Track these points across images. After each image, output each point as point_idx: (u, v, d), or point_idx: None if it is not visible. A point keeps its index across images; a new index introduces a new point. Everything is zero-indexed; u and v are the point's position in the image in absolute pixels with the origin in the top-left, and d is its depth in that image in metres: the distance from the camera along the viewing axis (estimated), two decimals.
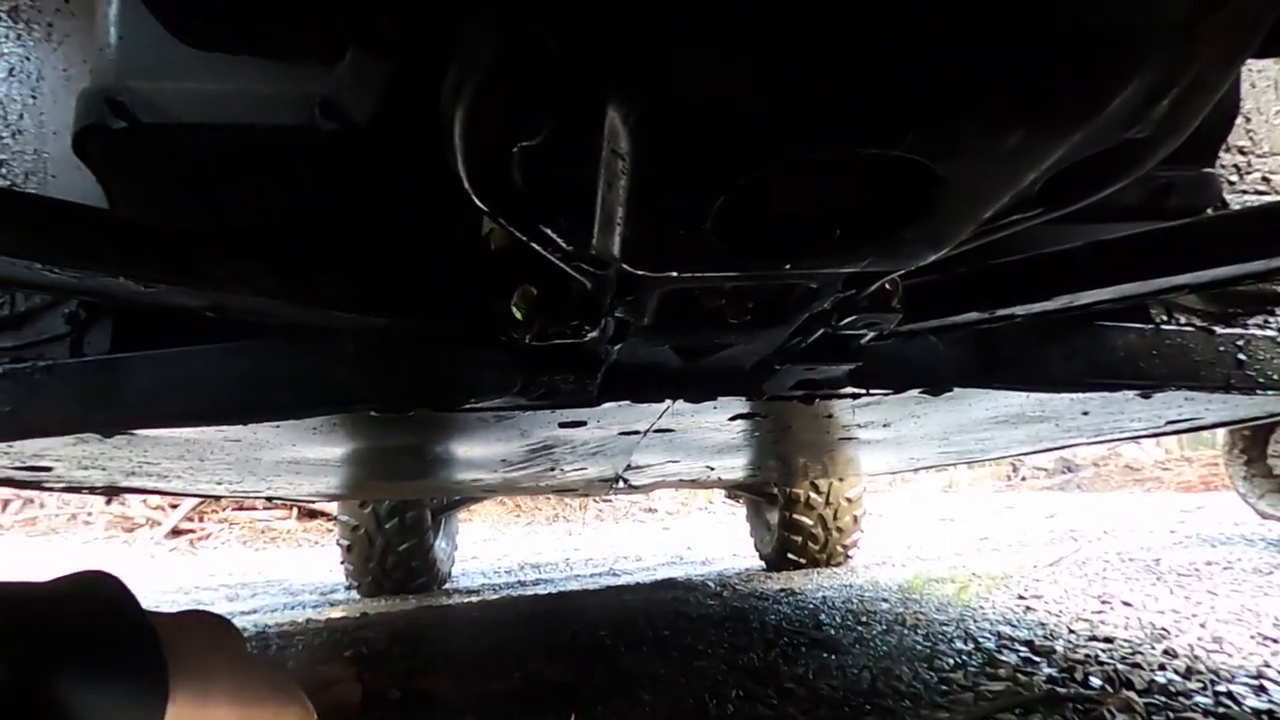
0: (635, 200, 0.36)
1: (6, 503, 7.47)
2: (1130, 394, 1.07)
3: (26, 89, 1.03)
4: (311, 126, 0.74)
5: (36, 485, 1.62)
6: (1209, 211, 0.87)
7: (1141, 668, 1.43)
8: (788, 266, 0.42)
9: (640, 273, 0.45)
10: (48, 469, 1.34)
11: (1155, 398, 1.14)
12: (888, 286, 0.65)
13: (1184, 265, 0.64)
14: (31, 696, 0.36)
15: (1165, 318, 1.03)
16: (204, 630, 0.49)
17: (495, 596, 3.15)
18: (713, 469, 2.27)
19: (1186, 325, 1.02)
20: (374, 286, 0.70)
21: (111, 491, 1.86)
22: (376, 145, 0.70)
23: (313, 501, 3.15)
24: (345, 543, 3.20)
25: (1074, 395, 1.06)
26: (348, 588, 3.35)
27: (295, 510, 7.33)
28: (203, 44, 0.48)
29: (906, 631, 1.91)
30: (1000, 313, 0.73)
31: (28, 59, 1.02)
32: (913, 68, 0.28)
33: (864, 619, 2.11)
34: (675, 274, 0.44)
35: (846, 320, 0.65)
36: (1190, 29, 0.29)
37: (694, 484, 3.07)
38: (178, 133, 0.78)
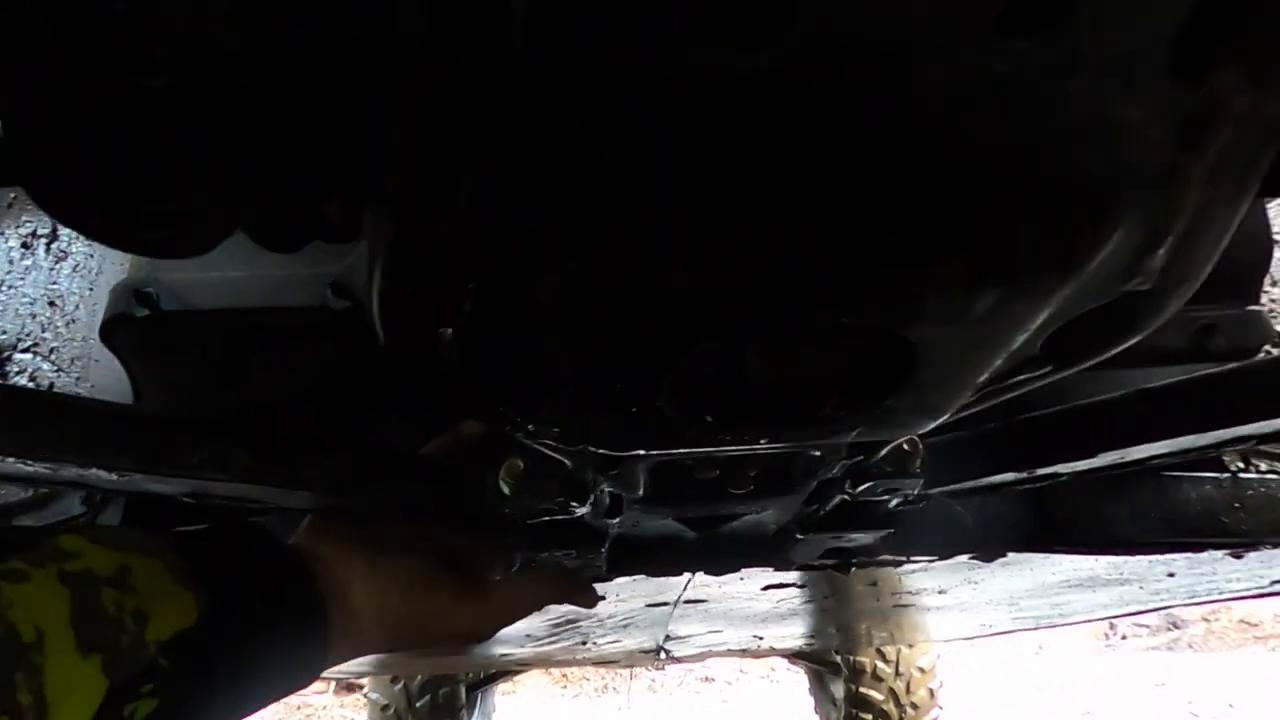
0: (576, 379, 0.32)
1: None
2: (1218, 554, 0.94)
3: (86, 283, 1.11)
4: (324, 306, 0.76)
5: None
6: (1267, 351, 0.80)
7: None
8: (763, 441, 0.37)
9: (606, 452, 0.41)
10: None
11: (1249, 556, 1.00)
12: (907, 448, 0.60)
13: (1242, 414, 0.57)
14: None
15: (1242, 465, 0.92)
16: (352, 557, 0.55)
17: None
18: (761, 639, 2.08)
19: (1269, 473, 0.91)
20: (364, 466, 0.68)
21: None
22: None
23: (344, 678, 3.00)
24: None
25: (1152, 556, 0.94)
26: None
27: (332, 685, 7.00)
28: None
29: None
30: (1041, 472, 0.65)
31: (91, 256, 1.11)
32: (853, 229, 0.25)
33: None
34: (643, 452, 0.40)
35: (863, 487, 0.59)
36: (1173, 173, 0.25)
37: (744, 654, 2.83)
38: (197, 319, 0.81)
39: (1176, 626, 8.77)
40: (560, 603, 0.63)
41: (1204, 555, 0.95)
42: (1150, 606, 1.56)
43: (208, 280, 0.82)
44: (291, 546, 0.52)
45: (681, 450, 0.40)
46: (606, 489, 0.58)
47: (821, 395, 0.35)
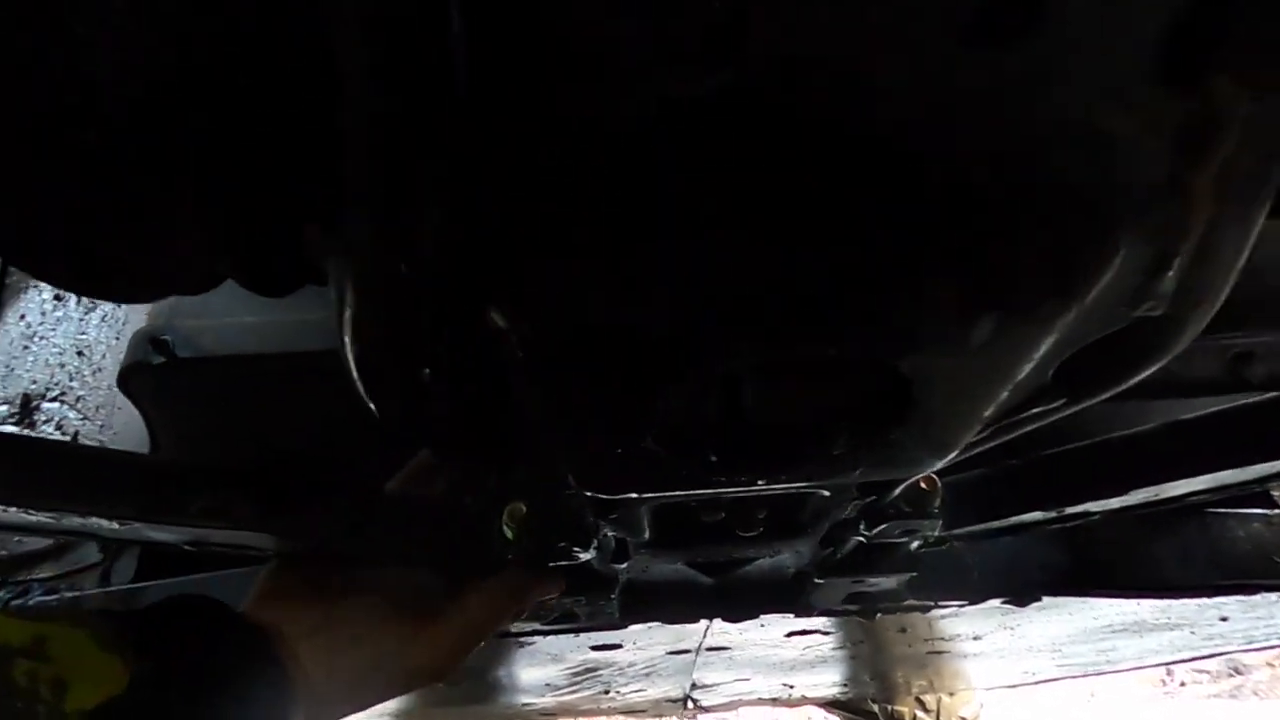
0: (556, 420, 0.31)
1: None
2: (1273, 596, 0.88)
3: (113, 333, 1.14)
4: (335, 350, 0.75)
5: None
6: None
7: None
8: (760, 482, 0.35)
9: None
10: None
11: None
12: (924, 486, 0.57)
13: None
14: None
15: None
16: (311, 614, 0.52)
17: None
18: (792, 687, 2.00)
19: None
20: (366, 512, 0.67)
21: None
22: None
23: None
24: None
25: (1200, 599, 0.88)
26: None
27: None
28: None
29: None
30: (1071, 511, 0.62)
31: (119, 307, 1.14)
32: (831, 255, 0.24)
33: None
34: (635, 495, 0.38)
35: (879, 528, 0.56)
36: (1174, 187, 0.23)
37: (776, 703, 2.72)
38: (212, 365, 0.81)
39: (1239, 672, 8.27)
40: (524, 605, 0.57)
41: (1257, 598, 0.89)
42: (1205, 652, 1.46)
43: (222, 326, 0.83)
44: (239, 613, 0.49)
45: (677, 493, 0.38)
46: (610, 533, 0.56)
47: (818, 433, 0.33)
